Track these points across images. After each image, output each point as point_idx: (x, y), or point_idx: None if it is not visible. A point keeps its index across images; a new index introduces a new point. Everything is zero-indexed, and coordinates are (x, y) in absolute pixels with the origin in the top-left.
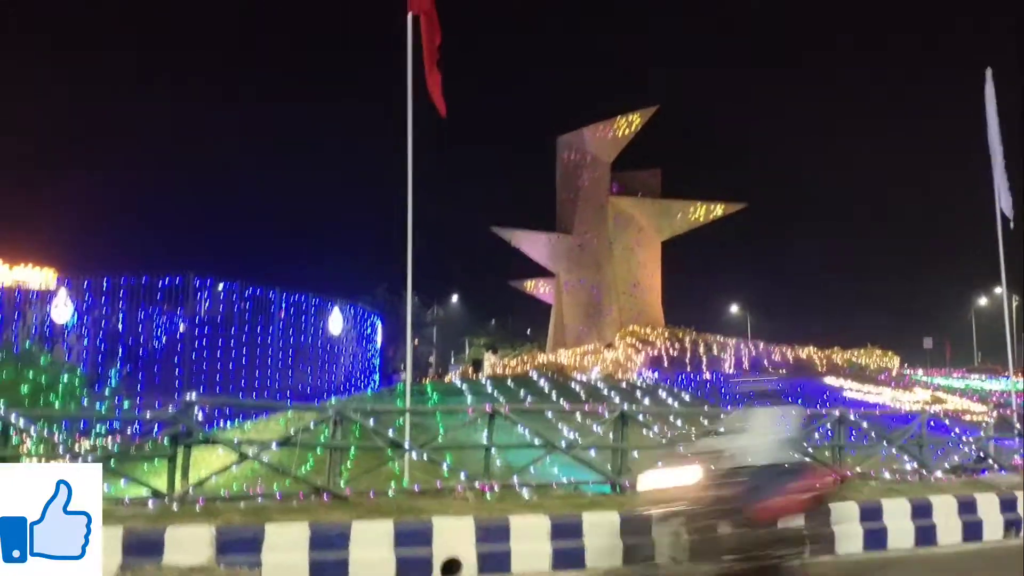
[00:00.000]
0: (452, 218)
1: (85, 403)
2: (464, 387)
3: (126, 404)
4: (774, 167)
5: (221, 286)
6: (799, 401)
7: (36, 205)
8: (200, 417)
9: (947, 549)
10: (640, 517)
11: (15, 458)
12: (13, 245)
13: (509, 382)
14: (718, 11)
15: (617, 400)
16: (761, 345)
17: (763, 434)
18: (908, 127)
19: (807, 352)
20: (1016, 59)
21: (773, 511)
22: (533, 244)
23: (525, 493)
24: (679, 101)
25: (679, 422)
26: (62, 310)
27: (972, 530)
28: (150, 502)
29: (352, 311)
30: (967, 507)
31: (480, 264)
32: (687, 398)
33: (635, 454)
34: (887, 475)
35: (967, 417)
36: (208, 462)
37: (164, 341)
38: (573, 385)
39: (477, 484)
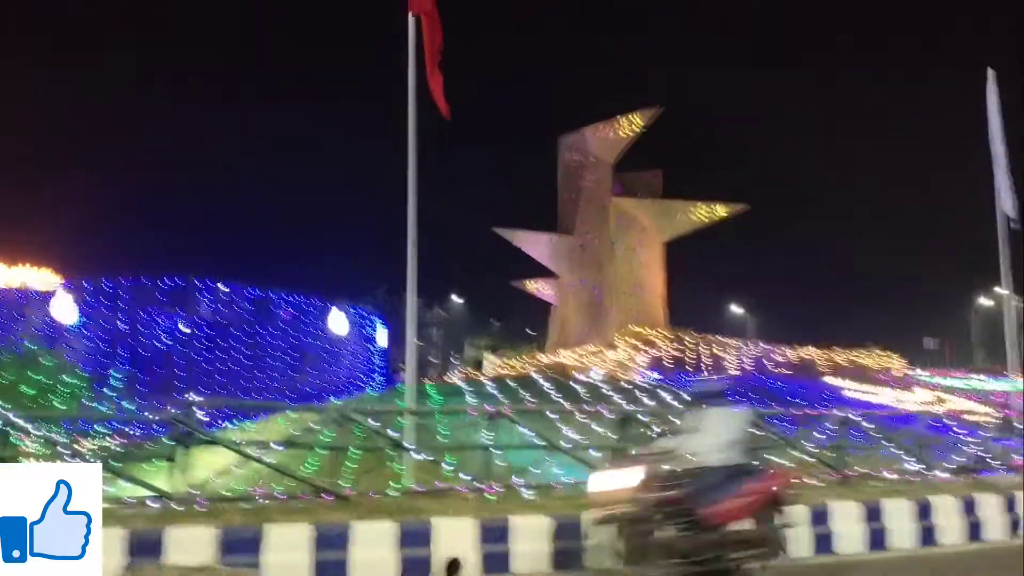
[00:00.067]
0: (453, 218)
1: (87, 404)
2: (466, 387)
3: (128, 405)
4: (774, 167)
5: (223, 288)
6: (802, 402)
7: (36, 205)
8: (202, 417)
9: (949, 549)
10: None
11: (16, 459)
12: (14, 245)
13: (510, 382)
14: (718, 11)
15: (620, 400)
16: (763, 345)
17: (713, 435)
18: (908, 127)
19: (809, 352)
20: (1016, 59)
21: (722, 514)
22: (535, 244)
23: (526, 494)
24: (679, 101)
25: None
26: (63, 311)
27: (974, 530)
28: (152, 502)
29: (354, 312)
30: (969, 507)
31: (481, 264)
32: (689, 399)
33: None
34: (889, 475)
35: (969, 417)
36: (210, 463)
37: (166, 342)
38: (574, 385)
39: (478, 484)
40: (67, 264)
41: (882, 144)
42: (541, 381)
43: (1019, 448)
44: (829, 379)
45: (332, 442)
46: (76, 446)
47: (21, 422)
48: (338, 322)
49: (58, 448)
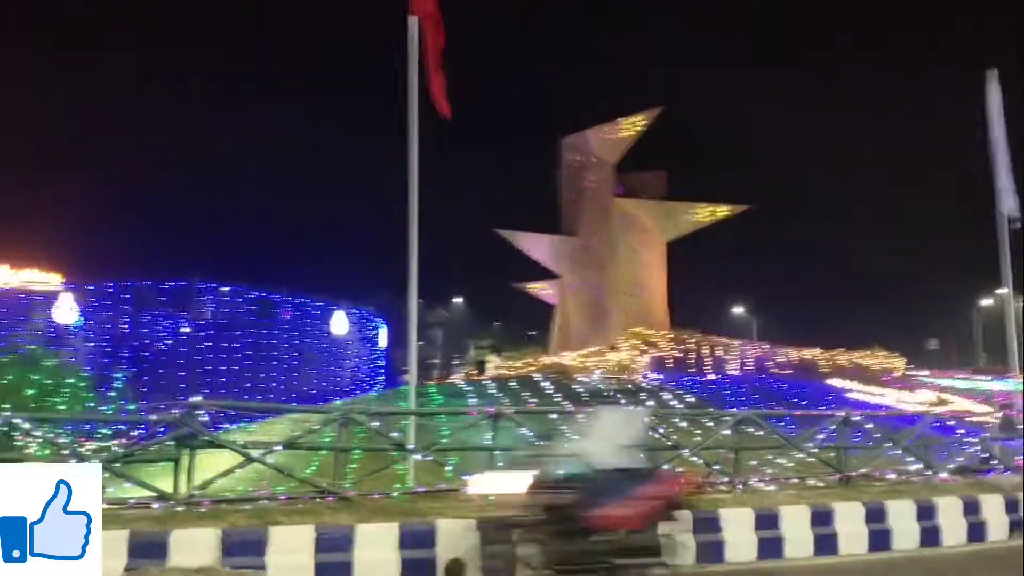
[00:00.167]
0: (453, 218)
1: (90, 406)
2: (468, 389)
3: (131, 406)
4: (774, 167)
5: (226, 289)
6: (804, 403)
7: (36, 205)
8: (205, 419)
9: (951, 550)
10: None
11: (20, 461)
12: (14, 246)
13: (513, 384)
14: (718, 11)
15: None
16: (766, 346)
17: (605, 437)
18: (908, 127)
19: (812, 353)
20: (1017, 59)
21: (614, 519)
22: (536, 246)
23: None
24: (679, 101)
25: (684, 424)
26: (65, 312)
27: (976, 531)
28: (155, 504)
29: (357, 314)
30: (971, 508)
31: (482, 265)
32: (692, 400)
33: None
34: (892, 476)
35: (972, 418)
36: (213, 464)
37: (169, 344)
38: (576, 387)
39: None
40: (67, 264)
41: (882, 144)
42: (543, 382)
43: (1021, 448)
44: (832, 380)
45: (334, 443)
46: (79, 448)
47: (25, 424)
48: (340, 323)
49: (61, 451)
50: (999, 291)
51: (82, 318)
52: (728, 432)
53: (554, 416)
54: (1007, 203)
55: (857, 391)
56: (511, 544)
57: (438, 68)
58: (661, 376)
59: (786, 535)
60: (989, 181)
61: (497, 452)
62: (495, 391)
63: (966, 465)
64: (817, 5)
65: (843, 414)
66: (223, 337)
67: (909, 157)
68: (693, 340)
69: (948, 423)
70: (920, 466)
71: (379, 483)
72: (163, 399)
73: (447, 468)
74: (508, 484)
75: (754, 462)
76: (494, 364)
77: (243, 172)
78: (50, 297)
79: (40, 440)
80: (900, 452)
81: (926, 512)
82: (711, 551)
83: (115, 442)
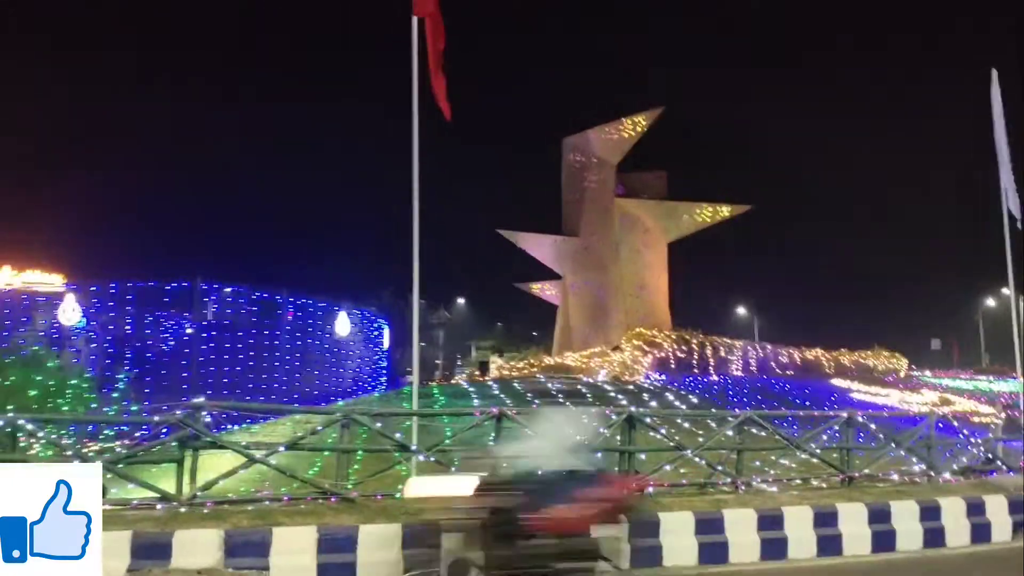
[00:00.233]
0: (454, 219)
1: (93, 407)
2: (471, 389)
3: (134, 407)
4: (774, 167)
5: (228, 290)
6: (807, 403)
7: (36, 205)
8: (208, 420)
9: (954, 551)
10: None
11: (23, 462)
12: (16, 247)
13: (516, 384)
14: (718, 11)
15: (624, 402)
16: (768, 347)
17: (551, 439)
18: (908, 127)
19: (814, 354)
20: (1017, 59)
21: (557, 522)
22: (538, 246)
23: None
24: (679, 101)
25: (687, 424)
26: (69, 314)
27: (980, 532)
28: (158, 505)
29: (359, 315)
30: (975, 509)
31: (483, 266)
32: (695, 400)
33: (642, 456)
34: (895, 477)
35: (975, 419)
36: (216, 465)
37: (172, 345)
38: (579, 387)
39: None
40: (69, 265)
41: (882, 144)
42: (546, 383)
43: None
44: (836, 381)
45: (337, 444)
46: (82, 449)
47: (29, 425)
48: (343, 324)
49: (65, 452)
50: (1003, 291)
51: (84, 319)
52: (731, 433)
53: None
54: (1010, 202)
55: (860, 391)
56: (438, 548)
57: (439, 69)
58: (663, 376)
59: (789, 536)
60: (990, 181)
61: None
62: (498, 392)
63: (970, 466)
64: (817, 5)
65: (846, 415)
66: (225, 338)
67: (909, 157)
68: (695, 340)
69: (952, 423)
70: (923, 467)
71: (382, 484)
72: (166, 400)
73: (452, 469)
74: (449, 487)
75: (757, 463)
76: (497, 365)
77: (244, 172)
78: (53, 298)
79: (43, 441)
80: (903, 453)
81: (930, 513)
82: (714, 552)
83: (118, 443)
